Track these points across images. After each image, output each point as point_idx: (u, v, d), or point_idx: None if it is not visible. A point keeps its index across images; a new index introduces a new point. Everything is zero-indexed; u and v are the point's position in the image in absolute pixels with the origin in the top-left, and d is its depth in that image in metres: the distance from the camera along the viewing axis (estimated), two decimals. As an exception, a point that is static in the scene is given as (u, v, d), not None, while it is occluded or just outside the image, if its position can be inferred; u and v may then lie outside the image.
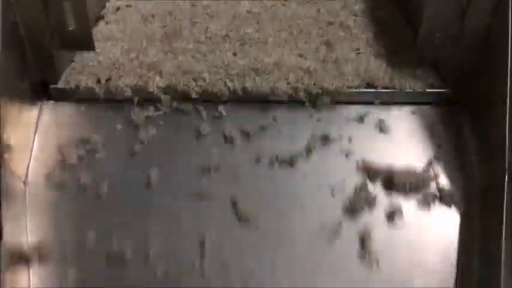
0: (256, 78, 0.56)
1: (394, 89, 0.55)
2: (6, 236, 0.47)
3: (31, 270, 0.50)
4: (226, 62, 0.58)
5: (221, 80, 0.55)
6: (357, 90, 0.55)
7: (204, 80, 0.55)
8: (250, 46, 0.61)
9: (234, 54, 0.60)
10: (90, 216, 0.51)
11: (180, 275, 0.49)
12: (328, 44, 0.61)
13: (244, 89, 0.55)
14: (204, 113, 0.55)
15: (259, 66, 0.57)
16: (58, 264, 0.50)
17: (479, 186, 0.52)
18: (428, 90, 0.55)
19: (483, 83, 0.52)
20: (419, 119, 0.55)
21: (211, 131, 0.54)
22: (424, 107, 0.55)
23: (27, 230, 0.50)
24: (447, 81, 0.55)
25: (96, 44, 0.56)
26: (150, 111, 0.55)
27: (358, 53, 0.59)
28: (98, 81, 0.55)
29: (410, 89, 0.55)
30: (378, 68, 0.57)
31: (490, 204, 0.50)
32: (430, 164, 0.53)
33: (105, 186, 0.52)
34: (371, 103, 0.55)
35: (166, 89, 0.55)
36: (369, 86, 0.55)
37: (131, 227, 0.51)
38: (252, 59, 0.58)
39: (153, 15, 0.67)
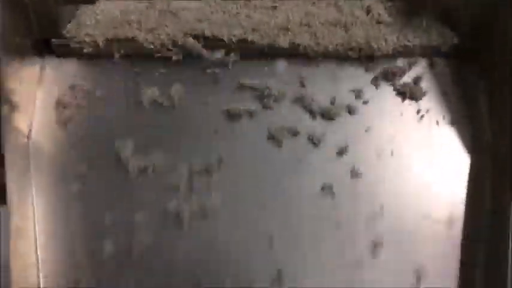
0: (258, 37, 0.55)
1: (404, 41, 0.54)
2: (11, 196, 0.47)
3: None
4: (229, 23, 0.57)
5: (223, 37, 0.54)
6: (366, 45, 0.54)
7: (206, 39, 0.55)
8: (255, 9, 0.59)
9: (238, 15, 0.58)
10: (94, 171, 0.51)
11: None
12: (337, 6, 0.59)
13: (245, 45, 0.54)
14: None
15: (263, 27, 0.56)
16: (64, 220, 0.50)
17: (489, 139, 0.51)
18: (438, 42, 0.54)
19: (493, 36, 0.51)
20: (429, 71, 0.54)
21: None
22: (434, 59, 0.55)
23: (32, 187, 0.50)
24: (458, 33, 0.54)
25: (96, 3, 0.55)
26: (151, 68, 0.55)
27: (368, 11, 0.57)
28: (95, 41, 0.54)
29: (420, 41, 0.54)
30: (388, 24, 0.55)
31: (500, 158, 0.50)
32: None
33: (105, 139, 0.52)
34: (380, 56, 0.54)
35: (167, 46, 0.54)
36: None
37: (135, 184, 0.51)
38: (256, 20, 0.57)
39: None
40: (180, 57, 0.54)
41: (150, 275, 0.51)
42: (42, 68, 0.54)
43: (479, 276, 0.50)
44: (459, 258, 0.51)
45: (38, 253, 0.50)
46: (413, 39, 0.54)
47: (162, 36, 0.54)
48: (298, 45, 0.54)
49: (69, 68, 0.54)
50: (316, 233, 0.51)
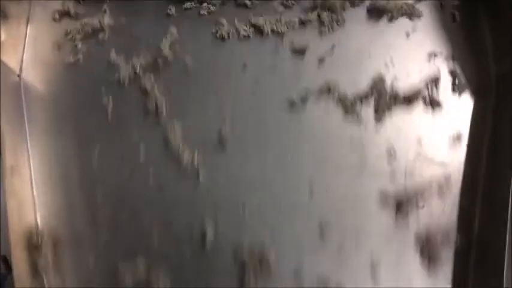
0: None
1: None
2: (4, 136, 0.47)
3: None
4: None
5: None
6: None
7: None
8: None
9: None
10: (89, 105, 0.50)
11: None
12: None
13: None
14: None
15: None
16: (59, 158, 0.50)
17: (494, 77, 0.50)
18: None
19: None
20: (435, 11, 0.52)
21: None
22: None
23: (26, 126, 0.49)
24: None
25: None
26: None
27: None
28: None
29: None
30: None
31: (504, 96, 0.49)
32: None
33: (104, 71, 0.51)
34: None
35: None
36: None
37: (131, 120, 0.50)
38: None
39: None
40: None
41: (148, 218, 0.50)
42: (31, 5, 0.52)
43: (478, 219, 0.50)
44: (459, 201, 0.50)
45: (34, 192, 0.50)
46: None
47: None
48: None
49: (58, 4, 0.52)
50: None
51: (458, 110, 0.51)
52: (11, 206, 0.48)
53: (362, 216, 0.49)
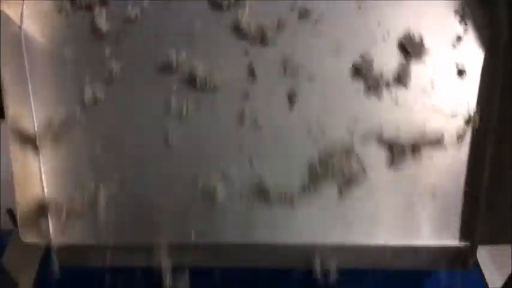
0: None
1: None
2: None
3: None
4: None
5: None
6: None
7: None
8: None
9: None
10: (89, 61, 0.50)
11: None
12: None
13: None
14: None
15: None
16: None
17: (505, 38, 0.49)
18: None
19: None
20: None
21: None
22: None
23: (28, 79, 0.49)
24: None
25: None
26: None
27: None
28: None
29: None
30: None
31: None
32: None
33: (104, 22, 0.49)
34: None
35: None
36: None
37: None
38: None
39: None
40: None
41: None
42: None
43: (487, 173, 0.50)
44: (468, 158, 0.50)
45: (38, 142, 0.49)
46: None
47: None
48: None
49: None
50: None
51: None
52: (15, 156, 0.48)
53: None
